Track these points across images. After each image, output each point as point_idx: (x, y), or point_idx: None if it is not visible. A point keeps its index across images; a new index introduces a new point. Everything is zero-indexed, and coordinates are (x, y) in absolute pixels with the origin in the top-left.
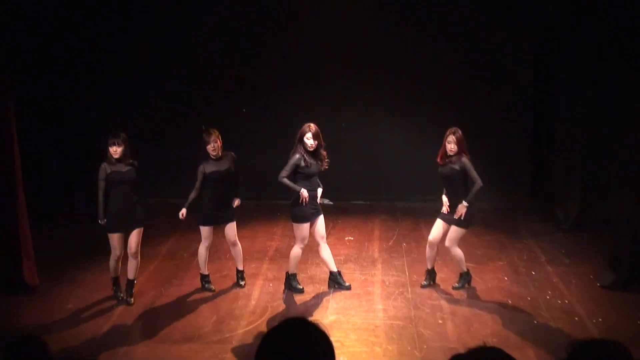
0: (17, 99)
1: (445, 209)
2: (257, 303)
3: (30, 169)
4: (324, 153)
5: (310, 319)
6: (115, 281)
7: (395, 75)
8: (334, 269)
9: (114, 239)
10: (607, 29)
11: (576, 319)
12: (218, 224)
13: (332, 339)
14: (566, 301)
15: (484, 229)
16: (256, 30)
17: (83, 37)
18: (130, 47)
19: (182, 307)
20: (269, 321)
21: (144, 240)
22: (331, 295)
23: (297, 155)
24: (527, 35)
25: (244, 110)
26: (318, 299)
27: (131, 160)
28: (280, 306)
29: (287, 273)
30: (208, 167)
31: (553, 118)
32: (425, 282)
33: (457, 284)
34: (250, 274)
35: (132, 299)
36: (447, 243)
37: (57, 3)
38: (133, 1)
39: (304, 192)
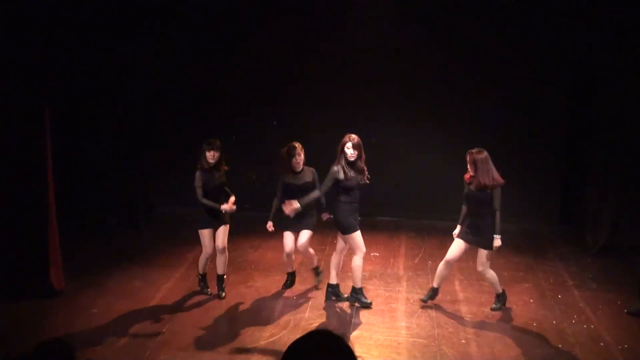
0: (56, 110)
1: (460, 227)
2: (280, 315)
3: (60, 177)
4: (362, 166)
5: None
6: (203, 277)
7: (426, 95)
8: (358, 285)
9: (205, 236)
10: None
11: (602, 344)
12: (295, 230)
13: None
14: (592, 327)
15: (512, 251)
16: (289, 48)
17: (112, 52)
18: (161, 62)
19: (205, 316)
20: (291, 334)
21: (171, 248)
22: (354, 310)
23: (335, 168)
24: (564, 58)
25: (274, 123)
26: (341, 313)
27: (225, 167)
28: (303, 319)
29: (353, 287)
30: (287, 179)
31: (587, 143)
32: (425, 298)
33: (494, 305)
34: (274, 287)
35: (224, 293)
36: (480, 268)
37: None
38: (164, 17)
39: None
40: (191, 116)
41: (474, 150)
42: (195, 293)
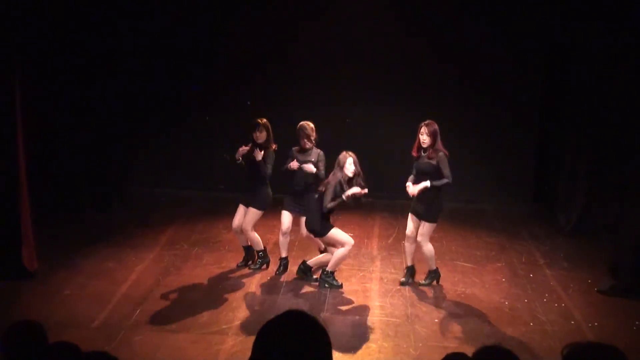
0: (28, 87)
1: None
2: (255, 295)
3: (35, 156)
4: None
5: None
6: (244, 250)
7: (401, 76)
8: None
9: (239, 210)
10: (618, 37)
11: (572, 322)
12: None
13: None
14: (563, 305)
15: (485, 231)
16: (265, 30)
17: (97, 33)
18: (143, 44)
19: (179, 297)
20: (265, 314)
21: (144, 229)
22: (328, 290)
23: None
24: (539, 38)
25: (249, 103)
26: (315, 293)
27: (274, 146)
28: (278, 299)
29: (324, 270)
30: (295, 153)
31: (559, 123)
32: (404, 280)
33: (424, 281)
34: (248, 268)
35: (252, 264)
36: (419, 238)
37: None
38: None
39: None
40: (165, 97)
41: (428, 122)
42: (168, 274)
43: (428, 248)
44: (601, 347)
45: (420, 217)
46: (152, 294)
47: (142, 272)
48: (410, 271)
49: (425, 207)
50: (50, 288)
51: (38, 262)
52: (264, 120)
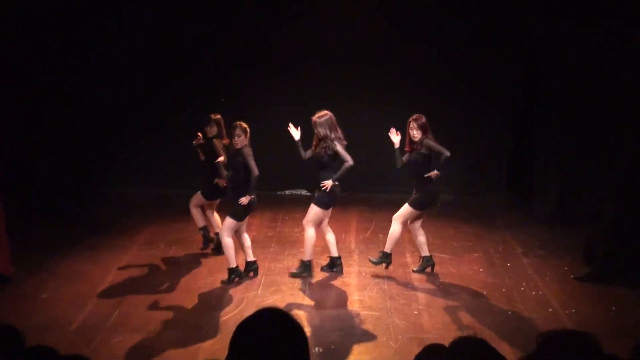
0: (9, 89)
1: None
2: (233, 293)
3: (9, 158)
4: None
5: (286, 309)
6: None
7: (378, 70)
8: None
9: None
10: (597, 30)
11: (550, 310)
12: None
13: (306, 329)
14: (540, 292)
15: (461, 221)
16: (248, 28)
17: (79, 31)
18: (121, 45)
19: (157, 297)
20: (244, 311)
21: (120, 230)
22: (307, 285)
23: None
24: (517, 32)
25: (222, 100)
26: (294, 289)
27: (224, 141)
28: (256, 297)
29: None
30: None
31: (535, 112)
32: (415, 269)
33: (373, 259)
34: (226, 265)
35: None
36: (394, 216)
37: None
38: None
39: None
40: (140, 97)
41: (416, 117)
42: (147, 274)
43: (395, 228)
44: (574, 334)
45: (408, 201)
46: (129, 295)
47: (119, 273)
48: (428, 260)
49: (414, 195)
50: (27, 291)
51: (13, 266)
52: (218, 115)
